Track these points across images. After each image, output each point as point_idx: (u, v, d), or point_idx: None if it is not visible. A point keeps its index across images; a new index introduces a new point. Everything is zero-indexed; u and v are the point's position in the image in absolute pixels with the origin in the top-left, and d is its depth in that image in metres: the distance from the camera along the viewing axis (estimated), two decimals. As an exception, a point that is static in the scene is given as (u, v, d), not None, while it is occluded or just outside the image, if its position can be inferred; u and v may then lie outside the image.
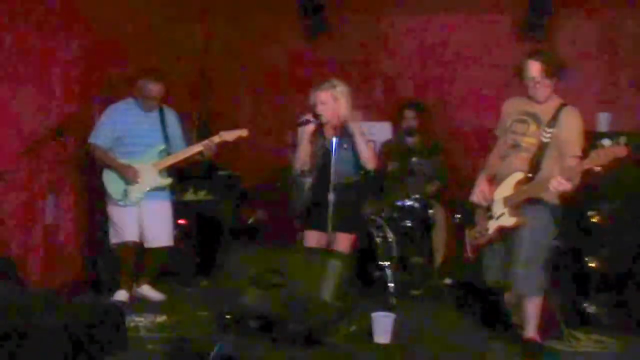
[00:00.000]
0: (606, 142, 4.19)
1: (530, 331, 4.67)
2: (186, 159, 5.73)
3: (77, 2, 5.92)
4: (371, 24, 7.34)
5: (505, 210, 4.57)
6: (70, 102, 5.96)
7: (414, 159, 6.36)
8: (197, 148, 5.67)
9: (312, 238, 5.12)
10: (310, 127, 5.03)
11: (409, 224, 6.25)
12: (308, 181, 5.19)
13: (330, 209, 4.90)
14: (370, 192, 5.91)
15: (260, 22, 7.67)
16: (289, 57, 7.64)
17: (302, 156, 5.14)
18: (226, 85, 7.68)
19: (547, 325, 4.85)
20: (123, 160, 5.62)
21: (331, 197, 4.96)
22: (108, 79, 6.16)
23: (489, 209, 4.69)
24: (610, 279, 5.30)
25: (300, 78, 7.60)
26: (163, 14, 6.83)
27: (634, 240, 5.32)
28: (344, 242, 5.07)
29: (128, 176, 5.59)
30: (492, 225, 4.66)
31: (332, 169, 4.91)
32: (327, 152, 5.02)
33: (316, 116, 5.03)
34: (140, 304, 5.59)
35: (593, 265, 5.35)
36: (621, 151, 4.11)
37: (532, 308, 4.63)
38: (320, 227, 5.03)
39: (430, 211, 6.41)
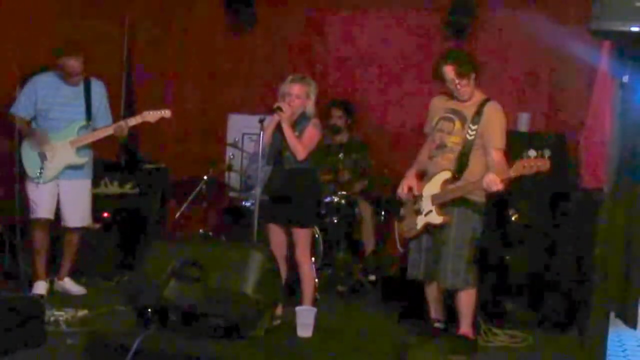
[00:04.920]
0: (532, 153, 4.30)
1: (464, 326, 4.76)
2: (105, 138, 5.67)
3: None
4: (300, 18, 7.36)
5: (433, 207, 4.66)
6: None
7: (340, 156, 6.42)
8: (108, 131, 5.61)
9: (273, 231, 5.12)
10: (276, 118, 4.97)
11: (335, 221, 6.32)
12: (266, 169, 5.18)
13: (257, 202, 4.96)
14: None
15: (188, 14, 7.62)
16: (216, 51, 7.61)
17: (266, 145, 5.04)
18: (151, 78, 7.60)
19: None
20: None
21: (257, 191, 5.00)
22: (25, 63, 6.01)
23: (416, 204, 4.78)
24: (527, 277, 5.46)
25: (227, 72, 7.59)
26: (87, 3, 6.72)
27: (550, 240, 5.49)
28: (298, 236, 5.07)
29: (40, 144, 5.48)
30: (420, 221, 4.75)
31: (260, 164, 4.97)
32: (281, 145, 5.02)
33: (279, 108, 4.93)
34: (61, 298, 5.52)
35: (510, 262, 5.50)
36: (544, 165, 4.26)
37: (464, 301, 4.72)
38: (278, 220, 5.07)
39: (356, 208, 6.51)
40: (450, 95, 4.78)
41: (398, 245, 5.02)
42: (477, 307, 4.93)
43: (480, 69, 4.79)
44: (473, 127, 4.62)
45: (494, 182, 4.36)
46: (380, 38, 7.14)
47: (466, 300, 4.73)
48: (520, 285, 5.46)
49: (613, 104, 4.44)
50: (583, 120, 5.61)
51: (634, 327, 4.52)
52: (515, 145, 5.29)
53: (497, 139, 4.61)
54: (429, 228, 4.73)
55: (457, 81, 4.63)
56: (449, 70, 4.63)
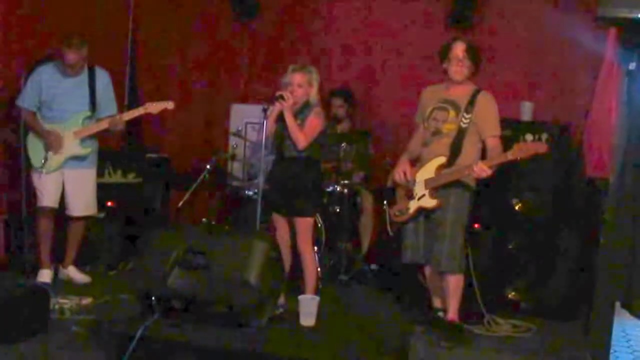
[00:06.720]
0: (529, 137, 4.39)
1: (452, 312, 4.81)
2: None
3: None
4: (303, 7, 7.32)
5: (426, 192, 4.76)
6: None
7: (342, 145, 6.41)
8: (104, 125, 5.60)
9: (277, 220, 5.14)
10: (278, 106, 4.95)
11: (337, 210, 6.32)
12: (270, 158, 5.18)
13: (260, 191, 4.96)
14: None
15: (192, 3, 7.59)
16: (220, 40, 7.58)
17: (268, 134, 5.04)
18: (155, 68, 7.58)
19: (467, 310, 4.98)
20: (47, 125, 5.54)
21: (260, 180, 4.99)
22: (30, 52, 5.98)
23: (409, 188, 4.85)
24: (531, 266, 5.45)
25: (230, 60, 7.56)
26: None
27: (554, 229, 5.48)
28: (300, 226, 5.08)
29: (51, 143, 5.50)
30: (413, 205, 4.85)
31: (263, 153, 4.95)
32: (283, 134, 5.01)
33: (281, 97, 4.92)
34: (65, 286, 5.54)
35: (514, 252, 5.50)
36: (542, 148, 4.41)
37: (454, 286, 4.78)
38: (280, 209, 5.08)
39: (358, 197, 6.51)
40: (442, 86, 4.89)
41: (389, 229, 5.08)
42: (480, 296, 4.97)
43: (480, 66, 4.87)
44: (467, 116, 4.73)
45: (482, 170, 4.48)
46: (383, 27, 7.10)
47: (457, 285, 4.79)
48: (524, 274, 5.46)
49: (619, 91, 4.44)
50: (588, 108, 5.60)
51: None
52: (518, 134, 5.33)
53: (492, 127, 4.74)
54: (421, 212, 4.82)
55: (461, 59, 4.73)
56: (459, 48, 4.75)
